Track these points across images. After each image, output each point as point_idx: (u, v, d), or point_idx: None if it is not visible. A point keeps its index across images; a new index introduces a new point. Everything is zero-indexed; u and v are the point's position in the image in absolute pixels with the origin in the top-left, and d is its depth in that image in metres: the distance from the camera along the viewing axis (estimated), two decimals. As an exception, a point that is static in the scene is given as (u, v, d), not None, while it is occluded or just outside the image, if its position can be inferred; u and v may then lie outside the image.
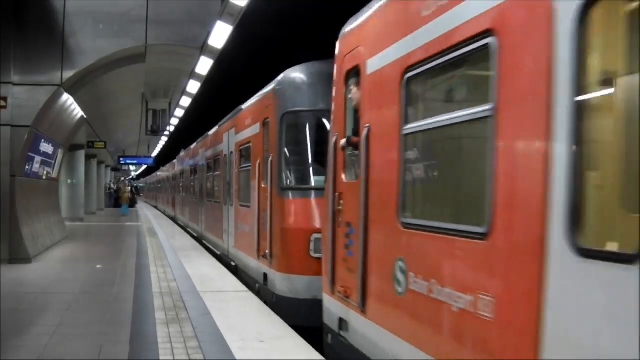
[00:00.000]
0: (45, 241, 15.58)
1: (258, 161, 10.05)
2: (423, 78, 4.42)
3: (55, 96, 13.89)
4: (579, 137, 2.74)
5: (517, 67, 3.23)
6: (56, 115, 15.41)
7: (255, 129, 10.51)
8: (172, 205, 32.59)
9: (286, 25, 23.22)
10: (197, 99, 22.94)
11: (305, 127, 8.87)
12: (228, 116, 14.41)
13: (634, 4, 2.69)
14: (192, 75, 17.75)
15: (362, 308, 5.23)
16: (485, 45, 3.45)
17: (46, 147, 15.40)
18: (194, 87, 19.75)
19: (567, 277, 2.77)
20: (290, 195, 8.61)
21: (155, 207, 50.52)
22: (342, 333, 5.82)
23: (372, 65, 5.27)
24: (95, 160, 36.03)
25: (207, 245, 16.82)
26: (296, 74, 9.12)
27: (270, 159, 9.11)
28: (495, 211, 3.31)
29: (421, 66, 4.26)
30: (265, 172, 9.50)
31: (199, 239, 18.96)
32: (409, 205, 4.57)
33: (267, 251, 9.13)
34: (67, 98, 15.05)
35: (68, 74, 13.55)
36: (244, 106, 12.22)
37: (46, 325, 7.39)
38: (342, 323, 5.80)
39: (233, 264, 12.50)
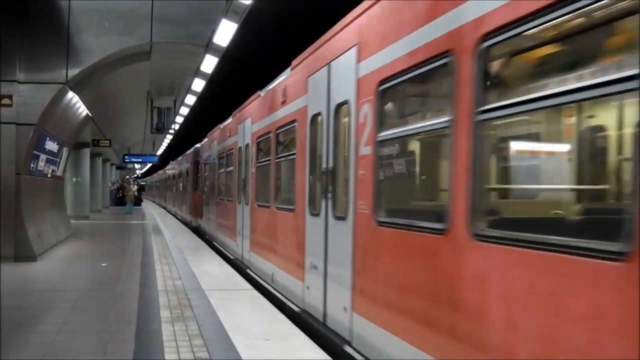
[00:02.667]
0: (51, 239, 15.60)
1: (190, 178, 26.43)
2: (205, 166, 21.71)
3: (60, 94, 13.90)
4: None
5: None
6: (61, 114, 15.42)
7: (189, 164, 27.24)
8: (164, 198, 49.54)
9: (291, 22, 23.24)
10: (202, 97, 22.96)
11: (203, 167, 22.16)
12: (186, 152, 31.08)
13: None
14: (197, 73, 17.76)
15: (201, 219, 22.66)
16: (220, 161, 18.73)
17: (51, 145, 15.40)
18: (199, 85, 19.77)
19: (243, 208, 13.40)
20: (195, 191, 25.21)
21: (154, 202, 63.17)
22: (200, 229, 22.75)
23: (201, 160, 23.26)
24: (100, 159, 36.02)
25: (177, 217, 32.46)
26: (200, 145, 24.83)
27: (191, 178, 26.39)
28: (234, 191, 14.64)
29: (204, 163, 21.99)
30: (192, 183, 26.03)
31: (174, 215, 34.64)
32: (206, 192, 21.30)
33: (191, 213, 25.70)
34: (72, 96, 15.05)
35: (73, 72, 13.56)
36: (187, 152, 29.57)
37: (51, 323, 7.40)
38: (200, 227, 23.13)
39: (184, 221, 28.12)
